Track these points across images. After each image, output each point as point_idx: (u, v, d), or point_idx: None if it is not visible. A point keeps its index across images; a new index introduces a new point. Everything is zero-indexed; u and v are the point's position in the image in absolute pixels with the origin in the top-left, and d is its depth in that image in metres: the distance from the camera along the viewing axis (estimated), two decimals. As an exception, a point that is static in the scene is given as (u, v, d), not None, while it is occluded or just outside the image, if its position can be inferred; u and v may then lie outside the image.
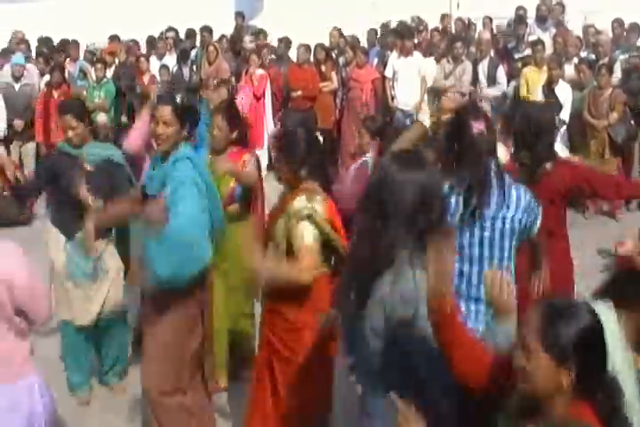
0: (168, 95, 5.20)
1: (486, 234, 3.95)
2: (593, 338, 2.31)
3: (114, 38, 14.87)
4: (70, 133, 5.57)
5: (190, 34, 14.63)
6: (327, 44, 13.47)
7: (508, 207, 3.96)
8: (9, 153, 11.33)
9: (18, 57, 12.55)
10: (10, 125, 11.53)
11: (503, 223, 3.95)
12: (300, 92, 12.14)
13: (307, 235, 4.13)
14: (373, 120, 6.63)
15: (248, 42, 14.09)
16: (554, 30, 13.31)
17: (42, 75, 12.65)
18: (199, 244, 4.37)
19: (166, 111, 4.58)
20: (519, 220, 3.98)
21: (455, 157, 3.99)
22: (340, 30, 14.23)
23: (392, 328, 2.89)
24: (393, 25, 14.98)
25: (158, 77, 12.67)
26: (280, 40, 13.83)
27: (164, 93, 4.87)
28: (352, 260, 3.07)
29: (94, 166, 5.57)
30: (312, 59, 12.52)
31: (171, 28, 14.82)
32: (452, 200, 3.89)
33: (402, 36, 12.43)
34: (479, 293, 3.81)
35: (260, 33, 14.22)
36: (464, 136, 3.94)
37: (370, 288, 2.92)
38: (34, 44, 14.85)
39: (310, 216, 4.14)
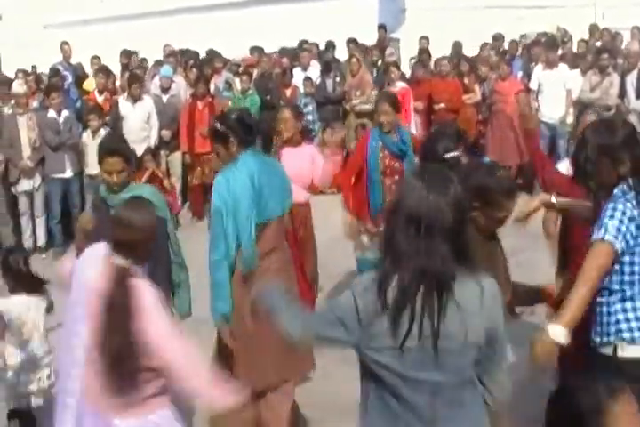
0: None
1: None
2: None
3: (255, 50, 15.14)
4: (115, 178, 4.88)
5: (330, 45, 14.80)
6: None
7: None
8: (158, 163, 11.61)
9: (165, 69, 12.91)
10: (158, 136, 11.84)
11: None
12: (442, 105, 12.08)
13: None
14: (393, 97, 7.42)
15: (389, 54, 14.12)
16: None
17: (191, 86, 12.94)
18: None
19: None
20: None
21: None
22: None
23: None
24: (533, 37, 14.80)
25: (301, 89, 12.82)
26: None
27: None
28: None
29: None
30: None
31: (306, 42, 15.02)
32: None
33: (546, 48, 12.24)
34: None
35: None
36: None
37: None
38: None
39: None
